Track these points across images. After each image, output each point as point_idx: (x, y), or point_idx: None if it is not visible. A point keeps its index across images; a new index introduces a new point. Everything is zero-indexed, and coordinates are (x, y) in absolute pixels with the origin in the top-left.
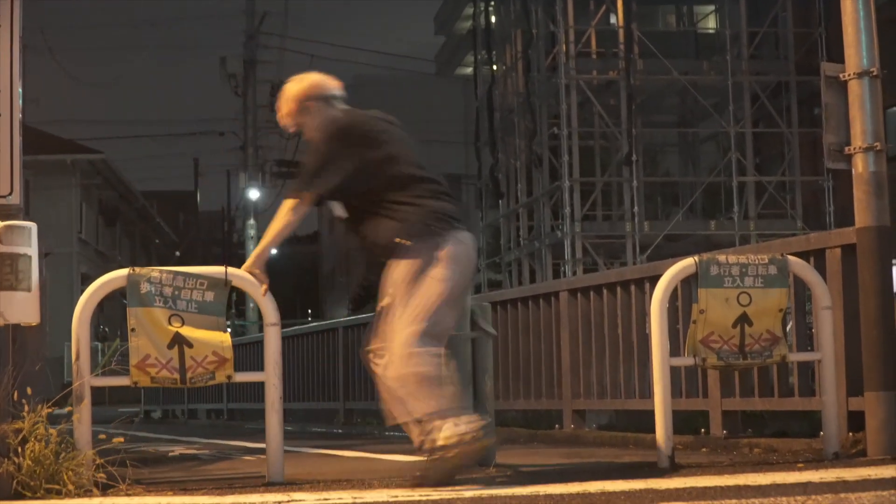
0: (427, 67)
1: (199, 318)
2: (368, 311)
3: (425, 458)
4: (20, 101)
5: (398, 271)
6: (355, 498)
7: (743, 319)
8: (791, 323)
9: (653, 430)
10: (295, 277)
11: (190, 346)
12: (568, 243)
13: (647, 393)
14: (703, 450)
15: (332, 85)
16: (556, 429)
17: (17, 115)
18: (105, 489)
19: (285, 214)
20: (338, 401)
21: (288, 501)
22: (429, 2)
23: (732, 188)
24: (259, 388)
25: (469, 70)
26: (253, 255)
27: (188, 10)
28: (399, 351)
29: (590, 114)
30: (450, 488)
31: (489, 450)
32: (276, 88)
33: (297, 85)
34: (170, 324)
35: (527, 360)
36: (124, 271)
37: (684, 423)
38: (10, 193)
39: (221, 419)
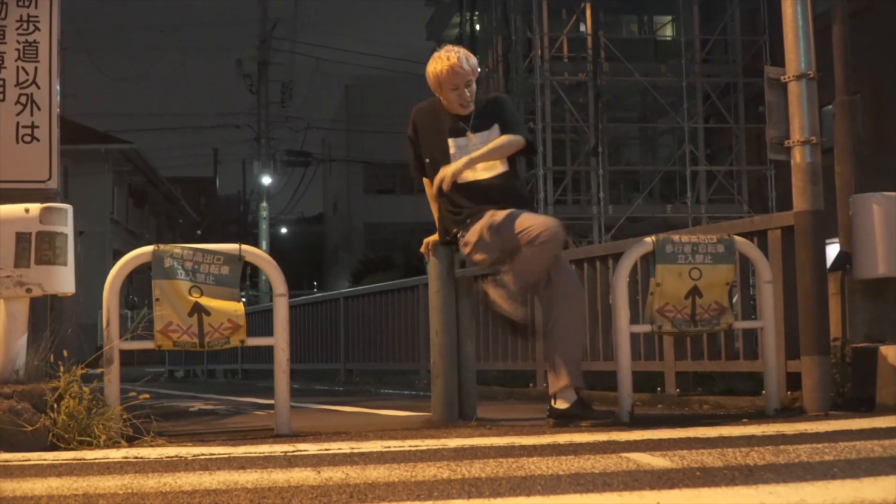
0: (419, 69)
1: (216, 289)
2: (367, 282)
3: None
4: (58, 97)
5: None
6: (353, 448)
7: (694, 292)
8: (737, 295)
9: (615, 389)
10: (302, 253)
11: (208, 314)
12: None
13: (611, 356)
14: (659, 406)
15: None
16: (530, 387)
17: (55, 110)
18: (131, 441)
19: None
20: (339, 362)
21: (293, 451)
22: (421, 11)
23: (686, 176)
24: (269, 351)
25: None
26: (462, 162)
27: (209, 16)
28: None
29: (561, 110)
30: (435, 440)
31: None
32: (286, 87)
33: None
34: (190, 294)
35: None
36: (150, 248)
37: (643, 382)
38: (49, 179)
39: (237, 378)
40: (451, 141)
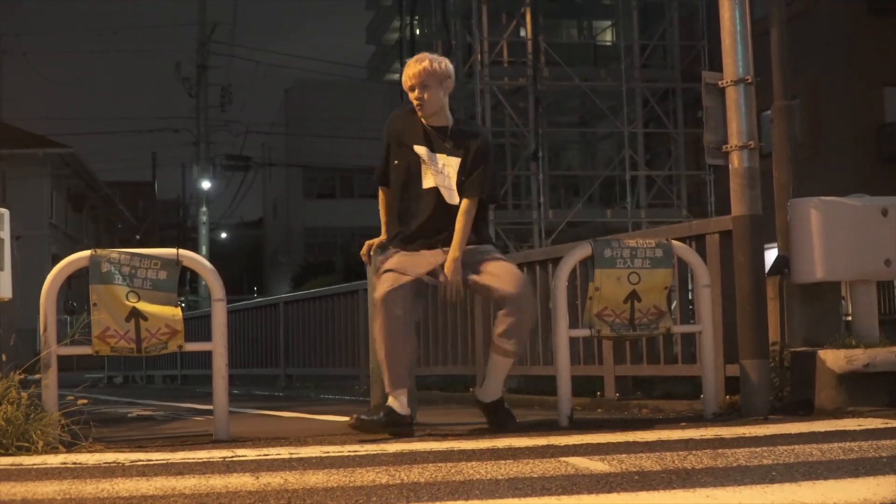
0: (359, 73)
1: (154, 294)
2: (307, 287)
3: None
4: None
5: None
6: (292, 454)
7: (633, 296)
8: (675, 299)
9: (555, 393)
10: (242, 257)
11: (145, 319)
12: None
13: (550, 360)
14: (599, 410)
15: None
16: (469, 392)
17: None
18: (69, 446)
19: (469, 216)
20: (279, 367)
21: (232, 457)
22: (361, 15)
23: (626, 181)
24: (209, 356)
25: (396, 76)
26: (453, 259)
27: (147, 18)
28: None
29: (501, 115)
30: (374, 445)
31: None
32: (225, 91)
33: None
34: (127, 299)
35: (444, 330)
36: (87, 253)
37: (582, 386)
38: None
39: (176, 384)
40: (419, 148)
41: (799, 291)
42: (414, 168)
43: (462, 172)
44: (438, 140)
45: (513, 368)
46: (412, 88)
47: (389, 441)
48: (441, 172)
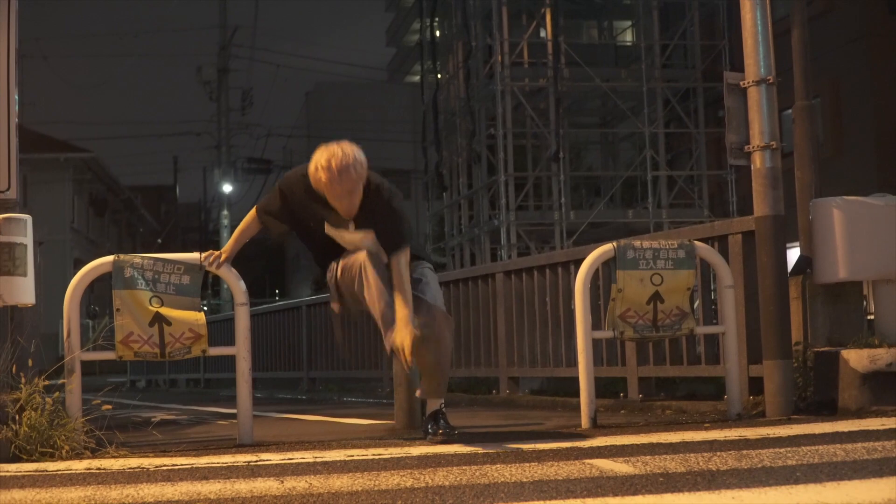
0: (380, 75)
1: (177, 298)
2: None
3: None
4: (16, 106)
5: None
6: (316, 457)
7: (656, 297)
8: (698, 300)
9: (578, 395)
10: (264, 261)
11: (169, 323)
12: (504, 230)
13: (573, 361)
14: (622, 411)
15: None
16: (493, 394)
17: (14, 119)
18: (94, 452)
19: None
20: (302, 370)
21: (256, 461)
22: (381, 17)
23: (647, 181)
24: (232, 359)
25: (416, 77)
26: (404, 320)
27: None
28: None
29: (522, 116)
30: (398, 448)
31: None
32: (246, 94)
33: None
34: (151, 304)
35: (467, 333)
36: (110, 258)
37: (605, 387)
38: (8, 189)
39: (199, 387)
40: (328, 225)
41: (822, 291)
42: (319, 230)
43: (379, 235)
44: (359, 220)
45: (536, 370)
46: (339, 198)
47: (414, 444)
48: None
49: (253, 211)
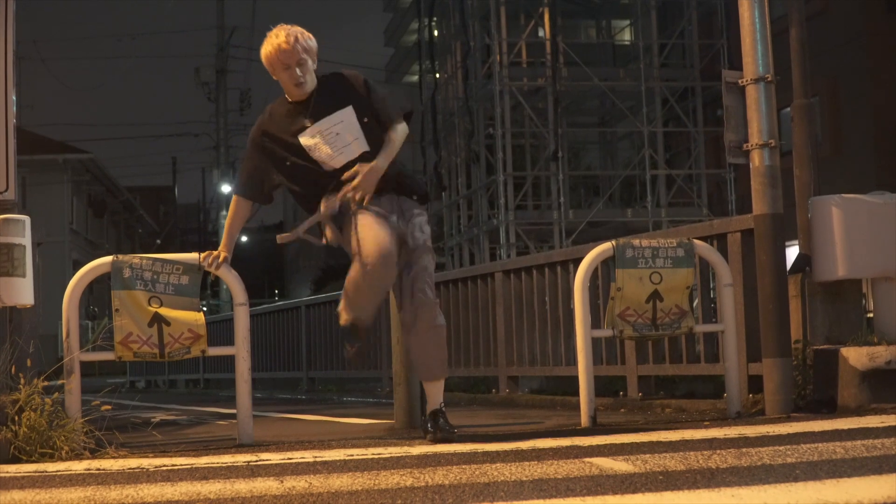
0: (378, 75)
1: (176, 299)
2: (329, 290)
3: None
4: (14, 108)
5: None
6: (316, 457)
7: (655, 296)
8: (697, 298)
9: (577, 394)
10: (263, 261)
11: (168, 324)
12: (503, 230)
13: (572, 360)
14: (622, 410)
15: None
16: (492, 393)
17: (12, 121)
18: (93, 452)
19: (400, 135)
20: (301, 370)
21: (256, 461)
22: (379, 17)
23: (646, 180)
24: (231, 359)
25: (415, 77)
26: (375, 165)
27: (166, 24)
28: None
29: (521, 116)
30: (398, 447)
31: None
32: (244, 94)
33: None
34: (149, 305)
35: (467, 332)
36: (109, 258)
37: (605, 386)
38: (6, 190)
39: (198, 388)
40: (305, 139)
41: (821, 289)
42: (308, 162)
43: (363, 113)
44: (317, 107)
45: (535, 369)
46: (288, 68)
47: (413, 443)
48: (339, 136)
49: (234, 197)
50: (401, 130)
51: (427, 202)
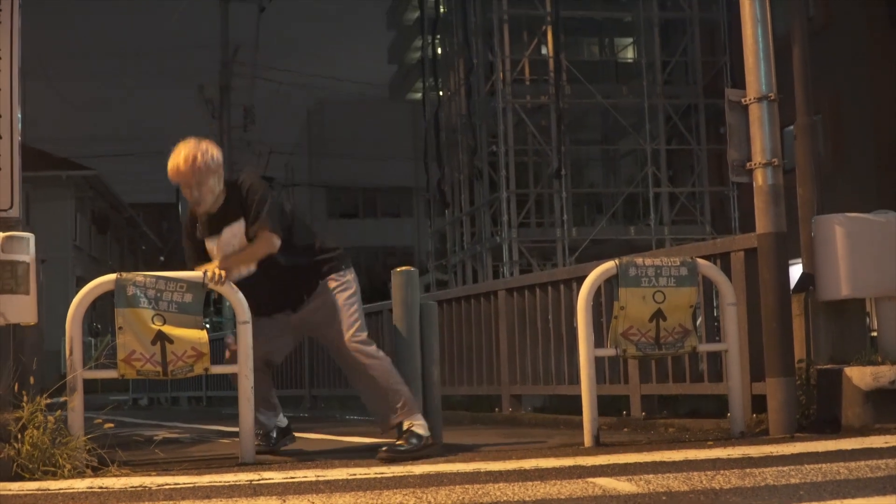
0: (381, 93)
1: (180, 317)
2: None
3: (400, 440)
4: (20, 125)
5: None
6: (318, 476)
7: (658, 315)
8: (700, 317)
9: (581, 412)
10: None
11: (171, 342)
12: (506, 247)
13: (576, 379)
14: (625, 429)
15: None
16: (495, 411)
17: (17, 138)
18: (96, 470)
19: (258, 245)
20: (304, 388)
21: (258, 479)
22: (383, 35)
23: (649, 198)
24: (234, 377)
25: (418, 95)
26: (220, 264)
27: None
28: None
29: (524, 133)
30: (401, 466)
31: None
32: (248, 112)
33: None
34: (153, 322)
35: (469, 350)
36: (112, 276)
37: (608, 405)
38: (11, 207)
39: (201, 405)
40: (210, 245)
41: (824, 308)
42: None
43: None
44: (212, 223)
45: (538, 388)
46: (187, 186)
47: (416, 463)
48: (230, 244)
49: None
50: (259, 243)
51: (331, 273)
